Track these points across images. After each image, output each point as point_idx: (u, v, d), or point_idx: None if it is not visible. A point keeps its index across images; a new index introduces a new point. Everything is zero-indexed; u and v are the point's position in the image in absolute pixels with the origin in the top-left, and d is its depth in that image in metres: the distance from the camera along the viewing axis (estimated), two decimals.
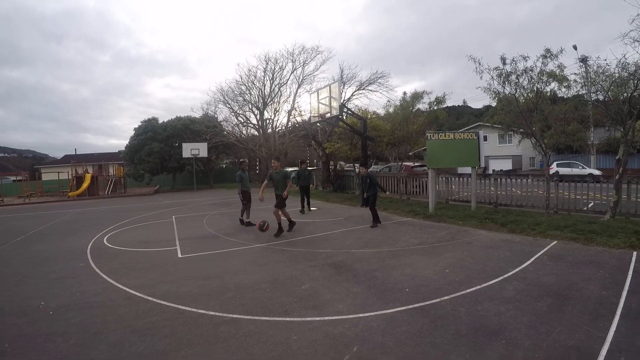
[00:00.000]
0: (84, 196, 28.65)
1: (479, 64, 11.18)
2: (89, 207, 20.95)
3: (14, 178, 47.28)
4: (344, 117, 17.72)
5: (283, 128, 33.88)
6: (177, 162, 33.54)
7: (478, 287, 5.20)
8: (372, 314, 4.38)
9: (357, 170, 16.60)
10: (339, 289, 5.30)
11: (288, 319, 4.40)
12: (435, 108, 22.95)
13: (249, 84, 33.65)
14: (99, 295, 5.78)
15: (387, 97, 28.68)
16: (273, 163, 10.27)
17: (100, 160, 40.95)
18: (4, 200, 29.62)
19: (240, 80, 34.09)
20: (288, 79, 32.88)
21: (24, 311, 5.31)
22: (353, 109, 21.72)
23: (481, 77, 11.25)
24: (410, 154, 26.40)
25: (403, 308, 4.52)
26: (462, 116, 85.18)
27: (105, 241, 10.15)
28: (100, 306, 5.28)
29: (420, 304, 4.64)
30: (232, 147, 36.93)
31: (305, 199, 14.38)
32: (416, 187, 16.54)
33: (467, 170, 13.37)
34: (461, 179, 14.31)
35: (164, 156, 33.04)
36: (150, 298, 5.51)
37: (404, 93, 23.82)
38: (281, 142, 32.24)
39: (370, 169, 22.31)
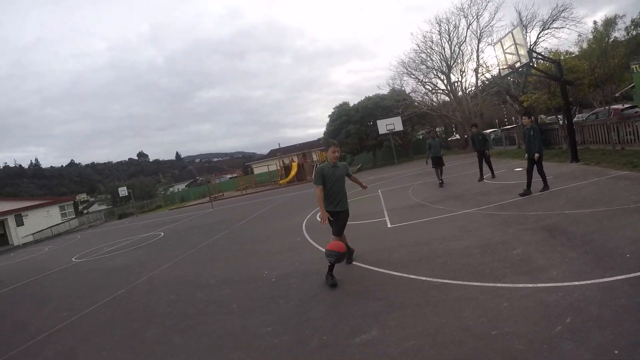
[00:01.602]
0: (293, 182, 32.54)
1: None
2: (299, 192, 23.62)
3: (230, 176, 57.07)
4: (535, 63, 15.75)
5: (473, 88, 32.05)
6: (375, 139, 34.83)
7: None
8: (588, 282, 3.92)
9: (521, 122, 14.36)
10: (552, 254, 4.89)
11: (499, 284, 4.32)
12: (634, 33, 18.48)
13: (428, 50, 32.77)
14: (316, 264, 6.54)
15: (577, 32, 23.83)
16: (331, 151, 5.84)
17: (302, 149, 45.78)
18: (224, 195, 36.20)
19: (418, 48, 33.45)
20: (465, 36, 30.82)
21: (250, 279, 6.47)
22: (542, 53, 19.13)
23: None
24: (616, 95, 21.80)
25: (623, 277, 3.88)
26: None
27: (318, 217, 11.28)
28: (318, 273, 5.96)
29: None
30: (426, 116, 36.53)
31: (484, 166, 12.92)
32: (630, 134, 13.48)
33: None
34: None
35: (361, 136, 34.78)
36: (363, 265, 6.08)
37: (594, 22, 19.55)
38: (474, 103, 30.58)
39: (575, 118, 19.41)
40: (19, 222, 36.13)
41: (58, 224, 37.64)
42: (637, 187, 7.85)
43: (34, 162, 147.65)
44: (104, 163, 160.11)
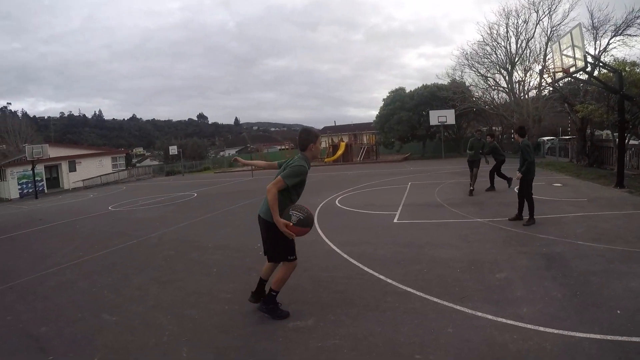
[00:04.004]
0: (339, 162, 31.93)
1: None
2: (340, 172, 23.21)
3: (280, 147, 57.84)
4: (596, 72, 13.80)
5: (535, 91, 29.47)
6: (426, 130, 33.38)
7: None
8: (555, 331, 3.25)
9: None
10: (536, 288, 4.24)
11: (458, 307, 3.84)
12: None
13: (493, 43, 30.13)
14: (304, 246, 6.17)
15: None
16: (319, 143, 4.11)
17: (355, 130, 45.08)
18: None
19: (482, 40, 30.87)
20: (534, 33, 27.84)
21: (242, 248, 6.84)
22: (611, 62, 16.79)
23: None
24: None
25: (598, 336, 3.12)
26: None
27: (337, 201, 11.15)
28: (300, 255, 5.65)
29: (624, 338, 3.08)
30: (483, 113, 34.28)
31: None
32: None
33: None
34: None
35: (412, 124, 33.39)
36: (344, 255, 5.83)
37: None
38: (534, 106, 28.20)
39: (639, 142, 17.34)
40: (72, 168, 38.19)
41: (108, 174, 39.62)
42: None
43: (97, 113, 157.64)
44: (164, 120, 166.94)
